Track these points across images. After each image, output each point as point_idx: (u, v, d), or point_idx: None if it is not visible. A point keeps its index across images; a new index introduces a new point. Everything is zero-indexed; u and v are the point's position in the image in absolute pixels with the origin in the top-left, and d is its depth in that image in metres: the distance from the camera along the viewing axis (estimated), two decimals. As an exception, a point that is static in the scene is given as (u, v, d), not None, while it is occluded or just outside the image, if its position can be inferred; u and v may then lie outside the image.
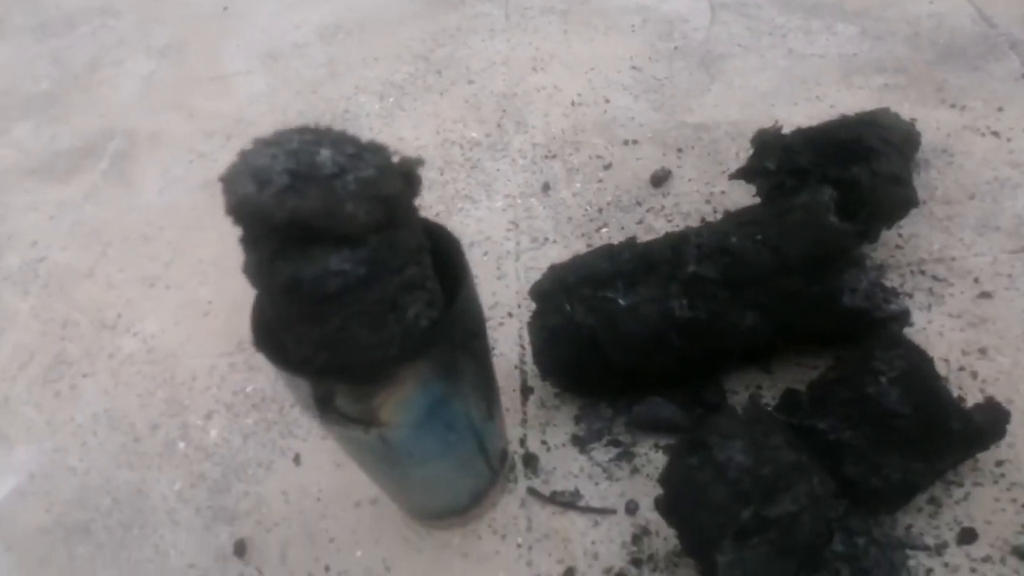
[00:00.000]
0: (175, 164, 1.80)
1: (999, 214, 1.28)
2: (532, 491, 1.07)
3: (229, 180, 0.68)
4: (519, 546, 1.03)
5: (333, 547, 1.08)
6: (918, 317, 1.15)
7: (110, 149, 1.90)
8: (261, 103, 1.91)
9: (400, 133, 1.69)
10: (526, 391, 1.18)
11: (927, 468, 0.92)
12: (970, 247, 1.24)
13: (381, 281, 0.72)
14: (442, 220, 1.21)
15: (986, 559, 0.93)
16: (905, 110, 1.39)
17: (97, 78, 2.17)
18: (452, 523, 1.06)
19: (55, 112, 2.09)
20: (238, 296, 1.44)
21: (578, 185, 1.47)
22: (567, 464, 1.10)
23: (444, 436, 0.91)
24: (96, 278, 1.57)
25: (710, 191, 1.40)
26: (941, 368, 1.01)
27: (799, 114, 1.49)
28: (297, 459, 1.18)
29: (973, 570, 0.93)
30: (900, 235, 1.27)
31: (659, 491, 1.02)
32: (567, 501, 1.05)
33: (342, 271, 0.69)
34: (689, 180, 1.43)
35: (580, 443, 1.11)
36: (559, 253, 1.35)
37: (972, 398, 1.04)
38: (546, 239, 1.39)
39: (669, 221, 1.35)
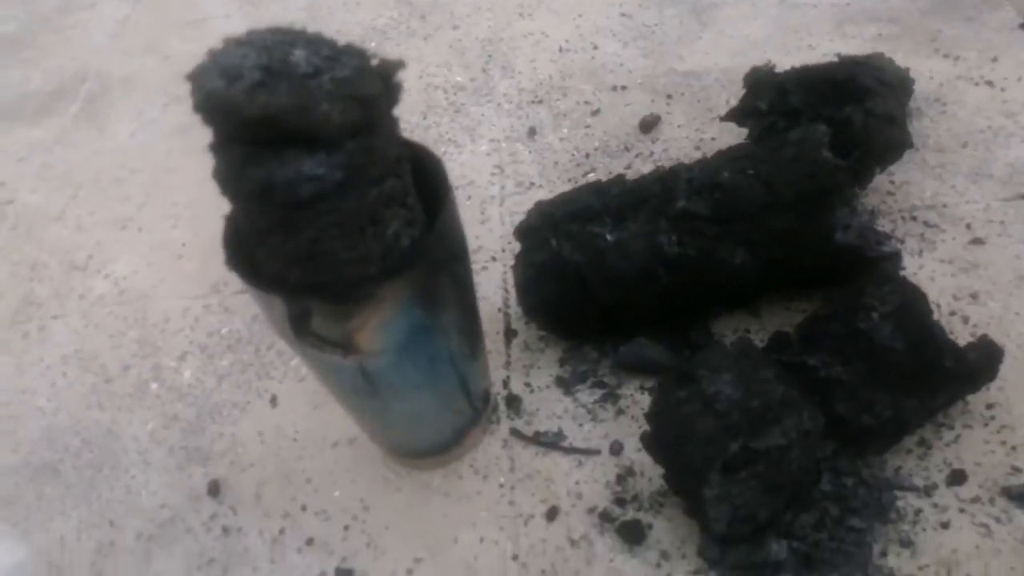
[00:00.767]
0: (149, 107, 1.74)
1: (992, 162, 1.26)
2: (515, 431, 1.05)
3: (197, 75, 0.64)
4: (501, 486, 1.01)
5: (310, 487, 1.05)
6: (909, 262, 1.14)
7: (82, 92, 1.83)
8: (239, 47, 1.85)
9: (383, 78, 1.64)
10: (510, 334, 1.16)
11: (918, 406, 0.90)
12: (962, 194, 1.22)
13: (358, 190, 0.69)
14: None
15: (975, 500, 0.92)
16: (899, 59, 1.36)
17: (69, 21, 2.09)
18: (432, 463, 1.04)
19: (24, 55, 2.01)
20: (213, 239, 1.39)
21: (565, 130, 1.44)
22: (551, 406, 1.07)
23: (426, 369, 0.88)
24: (66, 220, 1.52)
25: (700, 137, 1.37)
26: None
27: (791, 63, 1.43)
28: (274, 400, 1.15)
29: (962, 511, 0.91)
30: (892, 182, 1.25)
31: (644, 432, 1.01)
32: (550, 441, 1.03)
33: (317, 175, 0.65)
34: (678, 126, 1.39)
35: (564, 385, 1.09)
36: (544, 198, 1.31)
37: (963, 342, 1.03)
38: (531, 184, 1.36)
39: (658, 166, 1.32)
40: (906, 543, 0.90)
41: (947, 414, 0.98)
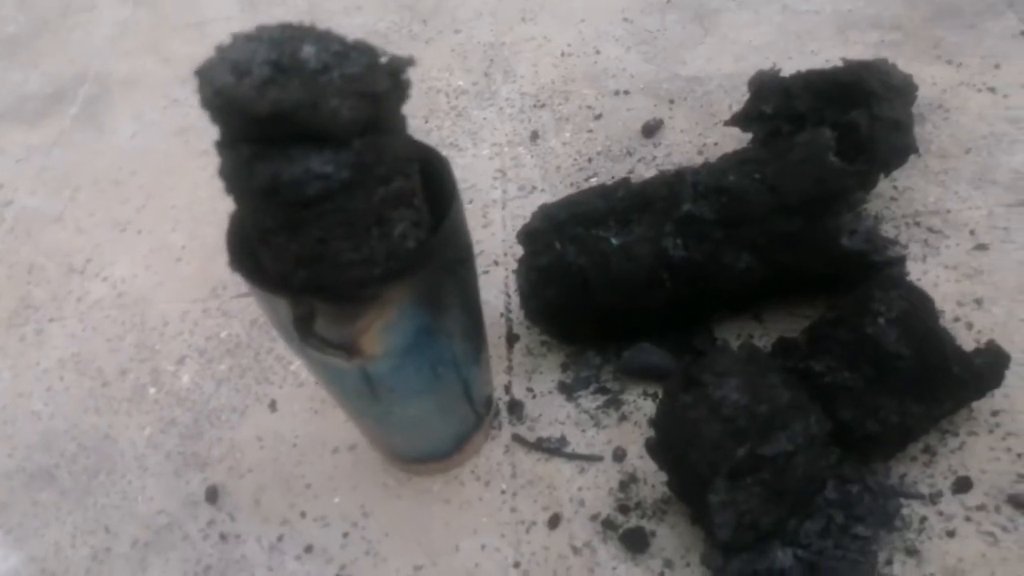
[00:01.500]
0: (149, 109, 1.73)
1: (995, 168, 1.25)
2: (517, 437, 1.04)
3: (206, 71, 0.64)
4: (503, 492, 1.00)
5: (310, 493, 1.04)
6: (913, 268, 1.13)
7: (81, 94, 1.83)
8: (239, 50, 1.84)
9: (384, 81, 1.63)
10: (512, 339, 1.15)
11: (924, 412, 0.89)
12: (966, 200, 1.22)
13: (365, 189, 0.68)
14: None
15: (980, 507, 0.91)
16: (901, 65, 1.35)
17: (68, 23, 2.09)
18: (433, 469, 1.03)
19: (23, 57, 2.01)
20: (212, 242, 1.40)
21: (568, 134, 1.43)
22: (553, 411, 1.06)
23: (428, 374, 0.87)
24: (65, 222, 1.51)
25: (703, 142, 1.36)
26: (938, 316, 0.99)
27: (793, 68, 1.43)
28: (273, 405, 1.14)
29: (968, 518, 0.90)
30: (895, 187, 1.24)
31: (648, 438, 1.00)
32: (553, 447, 1.02)
33: (324, 174, 0.65)
34: (681, 131, 1.39)
35: (567, 390, 1.08)
36: (547, 202, 1.30)
37: (968, 348, 1.02)
38: (534, 188, 1.35)
39: (661, 171, 1.31)
40: (912, 552, 0.89)
41: (952, 421, 0.97)
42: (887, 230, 1.19)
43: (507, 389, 1.09)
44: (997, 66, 1.43)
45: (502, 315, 1.18)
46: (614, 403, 1.05)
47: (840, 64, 1.22)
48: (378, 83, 0.66)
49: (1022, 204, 1.19)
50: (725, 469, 0.81)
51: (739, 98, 1.42)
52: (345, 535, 0.99)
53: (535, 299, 1.05)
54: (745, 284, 1.01)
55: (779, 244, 0.98)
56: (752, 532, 0.85)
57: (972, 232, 1.17)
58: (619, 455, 1.00)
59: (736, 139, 1.33)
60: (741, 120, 1.20)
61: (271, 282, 0.74)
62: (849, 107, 1.10)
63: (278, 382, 1.16)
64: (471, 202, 1.35)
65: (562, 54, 1.61)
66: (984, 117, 1.34)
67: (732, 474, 0.81)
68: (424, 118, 1.53)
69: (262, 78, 0.61)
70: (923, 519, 0.91)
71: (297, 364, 1.17)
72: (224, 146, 0.68)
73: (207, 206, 1.45)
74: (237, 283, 1.31)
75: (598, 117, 1.45)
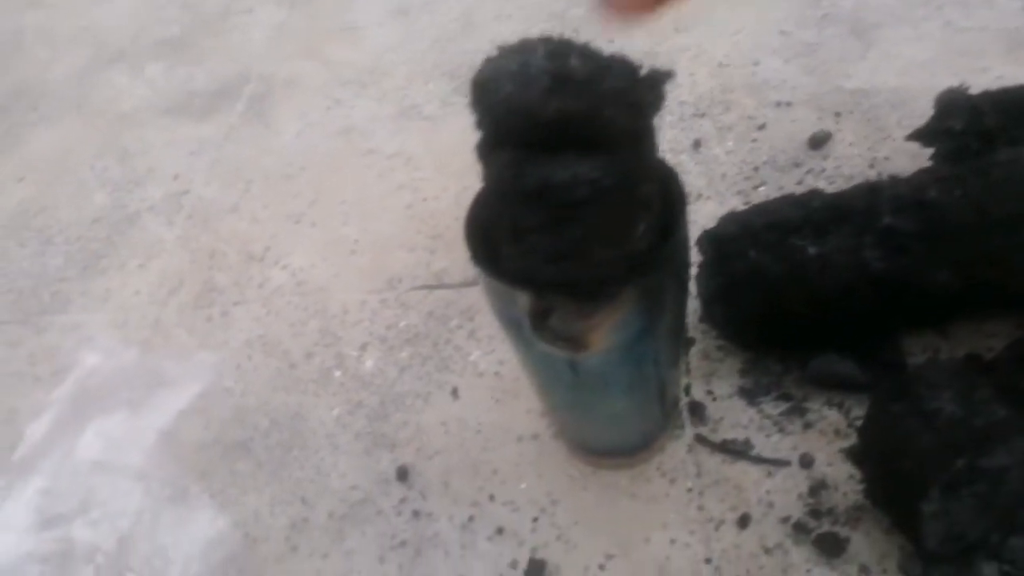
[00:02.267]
0: (311, 110, 1.82)
1: None
2: (701, 438, 1.07)
3: (488, 80, 0.69)
4: (689, 490, 1.03)
5: (497, 478, 1.09)
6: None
7: (246, 92, 1.93)
8: (394, 54, 1.92)
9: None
10: (688, 342, 1.17)
11: None
12: None
13: (625, 194, 0.72)
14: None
15: None
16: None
17: (228, 25, 2.21)
18: (619, 463, 1.06)
19: (187, 56, 2.14)
20: (384, 237, 1.47)
21: (730, 143, 1.45)
22: (735, 415, 1.08)
23: (635, 372, 0.90)
24: (241, 213, 1.60)
25: (873, 156, 1.36)
26: None
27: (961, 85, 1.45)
28: (455, 392, 1.19)
29: None
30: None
31: (834, 448, 1.01)
32: (739, 450, 1.04)
33: (593, 178, 0.69)
34: (850, 144, 1.39)
35: (748, 395, 1.10)
36: (713, 209, 1.33)
37: None
38: (699, 195, 1.38)
39: (831, 183, 1.32)
40: (1120, 575, 0.88)
41: None
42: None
43: (687, 391, 1.12)
44: None
45: (675, 318, 1.21)
46: (797, 411, 1.07)
47: (1018, 84, 1.21)
48: (643, 94, 0.70)
49: None
50: (943, 479, 0.82)
51: (907, 113, 1.42)
52: (535, 520, 1.03)
53: (722, 305, 1.08)
54: (940, 299, 1.01)
55: (981, 261, 0.98)
56: (958, 544, 0.86)
57: None
58: (806, 461, 1.01)
59: (909, 155, 1.33)
60: (925, 135, 1.20)
61: (514, 276, 0.79)
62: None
63: (458, 371, 1.22)
64: (637, 207, 1.38)
65: (719, 64, 1.63)
66: None
67: (949, 485, 0.82)
68: (583, 124, 1.57)
69: (544, 87, 0.66)
70: None
71: (476, 355, 1.23)
72: (490, 150, 0.73)
73: (376, 203, 1.52)
74: (412, 276, 1.38)
75: (761, 127, 1.47)
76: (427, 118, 1.69)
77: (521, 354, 0.93)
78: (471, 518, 1.05)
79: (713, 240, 1.09)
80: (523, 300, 0.79)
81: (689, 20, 1.77)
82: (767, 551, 0.96)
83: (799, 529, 0.96)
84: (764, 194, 1.34)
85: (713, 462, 1.05)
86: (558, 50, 0.71)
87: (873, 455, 0.90)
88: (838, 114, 1.45)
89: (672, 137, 1.50)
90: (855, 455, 0.92)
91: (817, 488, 0.99)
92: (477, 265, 0.81)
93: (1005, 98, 1.16)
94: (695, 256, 1.11)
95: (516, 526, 1.03)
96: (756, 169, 1.39)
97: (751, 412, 1.08)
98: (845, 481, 0.98)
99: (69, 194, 1.77)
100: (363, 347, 1.29)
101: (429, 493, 1.09)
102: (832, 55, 1.59)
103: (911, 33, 1.61)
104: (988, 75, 1.48)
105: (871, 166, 1.35)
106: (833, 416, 1.05)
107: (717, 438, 1.06)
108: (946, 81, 1.26)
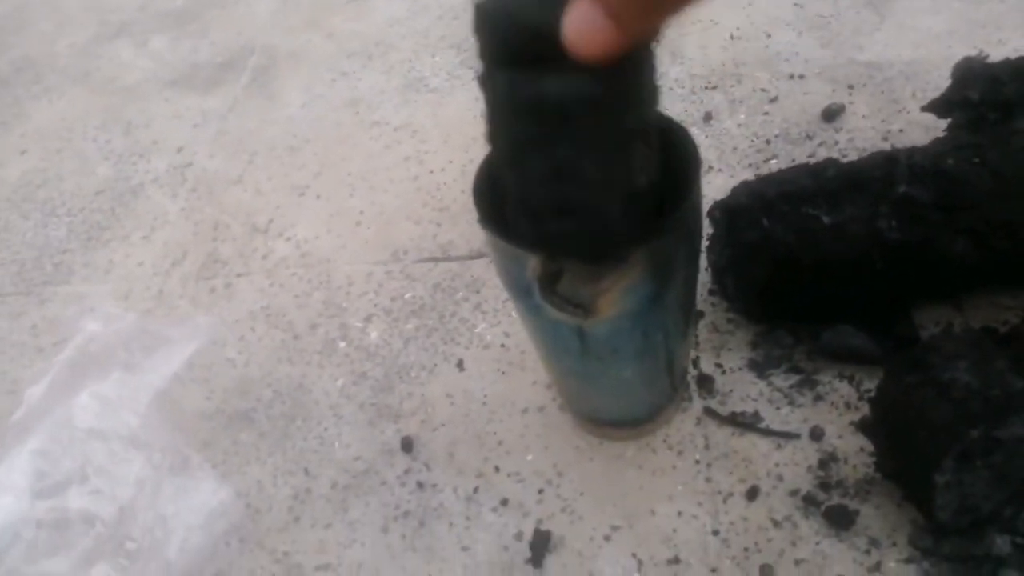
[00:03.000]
0: (317, 82, 1.80)
1: None
2: (709, 410, 1.05)
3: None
4: (696, 462, 1.01)
5: (502, 449, 1.07)
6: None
7: (250, 64, 1.91)
8: (400, 26, 1.90)
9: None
10: (696, 315, 1.16)
11: None
12: None
13: (615, 114, 0.70)
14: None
15: None
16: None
17: (232, -2, 2.18)
18: (626, 435, 1.05)
19: (191, 28, 2.11)
20: (389, 210, 1.46)
21: (742, 116, 1.43)
22: (744, 388, 1.07)
23: (642, 341, 0.89)
24: (245, 184, 1.59)
25: (887, 128, 1.34)
26: None
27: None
28: (460, 364, 1.18)
29: None
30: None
31: (845, 420, 1.00)
32: (747, 422, 1.03)
33: (583, 91, 0.67)
34: (863, 116, 1.37)
35: (757, 368, 1.08)
36: (724, 182, 1.31)
37: None
38: (710, 167, 1.35)
39: (844, 156, 1.30)
40: None
41: None
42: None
43: (695, 363, 1.10)
44: None
45: (684, 291, 1.19)
46: (808, 383, 1.05)
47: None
48: None
49: None
50: (957, 450, 0.80)
51: (922, 85, 1.40)
52: (540, 491, 1.02)
53: (733, 275, 1.06)
54: (956, 270, 0.99)
55: (999, 231, 0.96)
56: (970, 516, 0.85)
57: None
58: (816, 434, 1.00)
59: (923, 128, 1.31)
60: (941, 106, 1.18)
61: (523, 239, 0.77)
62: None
63: (464, 343, 1.20)
64: (646, 180, 1.36)
65: (731, 37, 1.60)
66: None
67: (963, 456, 0.80)
68: (592, 96, 1.55)
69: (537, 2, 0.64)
70: None
71: (482, 327, 1.21)
72: (489, 73, 0.71)
73: (382, 175, 1.51)
74: (418, 248, 1.36)
75: (773, 100, 1.44)
76: (433, 90, 1.67)
77: (528, 322, 0.91)
78: (476, 489, 1.04)
79: (725, 210, 1.07)
80: (532, 263, 0.78)
81: (700, -8, 1.74)
82: (776, 524, 0.94)
83: (808, 501, 0.95)
84: (776, 167, 1.32)
85: (722, 435, 1.03)
86: None
87: (885, 426, 0.88)
88: (851, 87, 1.43)
89: (683, 110, 1.47)
90: (866, 427, 0.90)
91: (827, 461, 0.98)
92: (485, 228, 0.79)
93: (1024, 67, 1.13)
94: (706, 228, 1.09)
95: (521, 497, 1.02)
96: (768, 142, 1.37)
97: (761, 385, 1.06)
98: (855, 454, 0.97)
99: (72, 166, 1.75)
100: (368, 319, 1.27)
101: (434, 464, 1.08)
102: (846, 27, 1.56)
103: (927, 5, 1.58)
104: (1005, 47, 1.45)
105: (884, 139, 1.32)
106: (844, 389, 1.03)
107: (726, 411, 1.05)
108: (962, 53, 1.24)
